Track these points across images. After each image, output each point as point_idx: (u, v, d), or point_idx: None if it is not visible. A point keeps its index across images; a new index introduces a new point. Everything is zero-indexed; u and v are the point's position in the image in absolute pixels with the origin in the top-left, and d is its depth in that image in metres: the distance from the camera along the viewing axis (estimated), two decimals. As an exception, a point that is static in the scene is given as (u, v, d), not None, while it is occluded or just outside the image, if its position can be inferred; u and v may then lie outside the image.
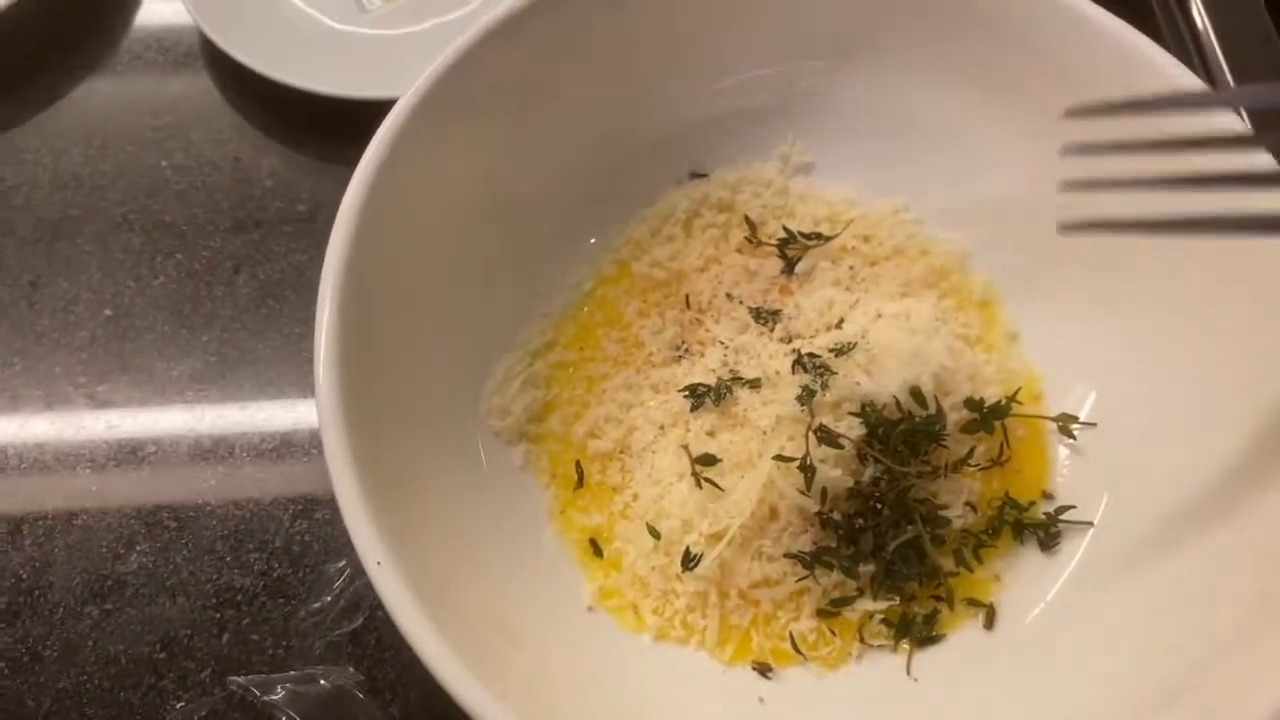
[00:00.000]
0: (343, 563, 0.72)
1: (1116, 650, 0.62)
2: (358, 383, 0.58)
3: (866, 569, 0.67)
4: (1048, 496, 0.71)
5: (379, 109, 0.63)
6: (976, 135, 0.77)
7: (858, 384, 0.68)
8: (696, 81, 0.79)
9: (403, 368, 0.64)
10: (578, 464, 0.71)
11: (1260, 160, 0.57)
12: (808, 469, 0.65)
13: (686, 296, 0.77)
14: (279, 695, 0.64)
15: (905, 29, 0.75)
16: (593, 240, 0.79)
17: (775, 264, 0.78)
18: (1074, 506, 0.69)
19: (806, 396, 0.67)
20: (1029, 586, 0.68)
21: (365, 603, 0.71)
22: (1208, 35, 0.95)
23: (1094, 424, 0.71)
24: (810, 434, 0.66)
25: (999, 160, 0.77)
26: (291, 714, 0.63)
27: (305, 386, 0.79)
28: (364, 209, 0.62)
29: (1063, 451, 0.72)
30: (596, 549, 0.69)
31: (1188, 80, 0.67)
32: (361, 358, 0.59)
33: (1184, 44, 0.96)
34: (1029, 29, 0.72)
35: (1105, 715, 0.59)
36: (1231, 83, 0.93)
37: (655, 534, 0.68)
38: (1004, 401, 0.71)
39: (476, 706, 0.49)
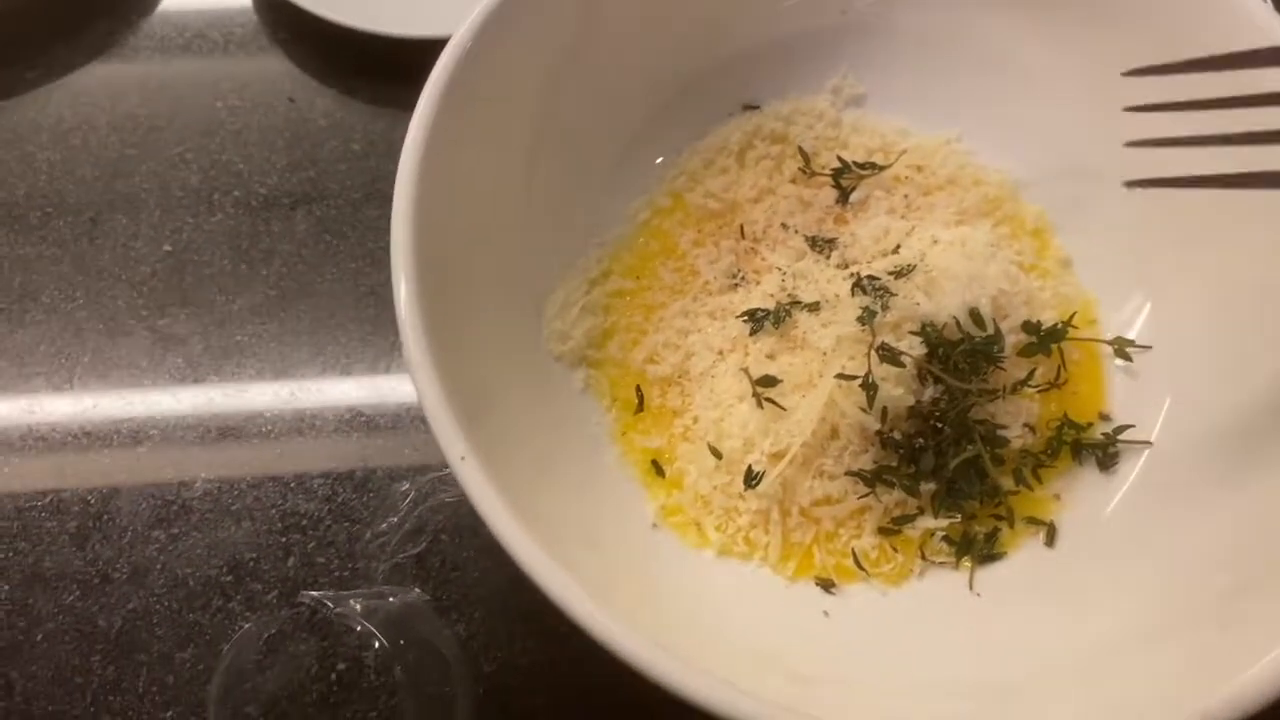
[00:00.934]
0: (406, 485, 0.73)
1: (1174, 566, 0.62)
2: (432, 301, 0.58)
3: (927, 487, 0.67)
4: (1105, 417, 0.71)
5: (427, 48, 0.64)
6: (1027, 64, 0.78)
7: (917, 305, 0.68)
8: (749, 7, 0.79)
9: (471, 291, 0.64)
10: (638, 388, 0.72)
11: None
12: (869, 387, 0.65)
13: (741, 226, 0.78)
14: (356, 609, 0.65)
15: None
16: (648, 172, 0.79)
17: (829, 194, 0.79)
18: (1132, 425, 0.69)
19: (867, 316, 0.68)
20: (1088, 505, 0.69)
21: (430, 526, 0.72)
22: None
23: (1149, 346, 0.72)
24: (872, 353, 0.66)
25: (1050, 89, 0.78)
26: (366, 624, 0.64)
27: (364, 318, 0.80)
28: (429, 142, 0.63)
29: (1118, 374, 0.73)
30: (658, 469, 0.70)
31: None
32: (434, 279, 0.59)
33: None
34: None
35: (1164, 629, 0.59)
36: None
37: (717, 454, 0.68)
38: (1060, 325, 0.72)
39: (559, 590, 0.49)
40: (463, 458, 0.52)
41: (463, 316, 0.62)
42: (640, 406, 0.72)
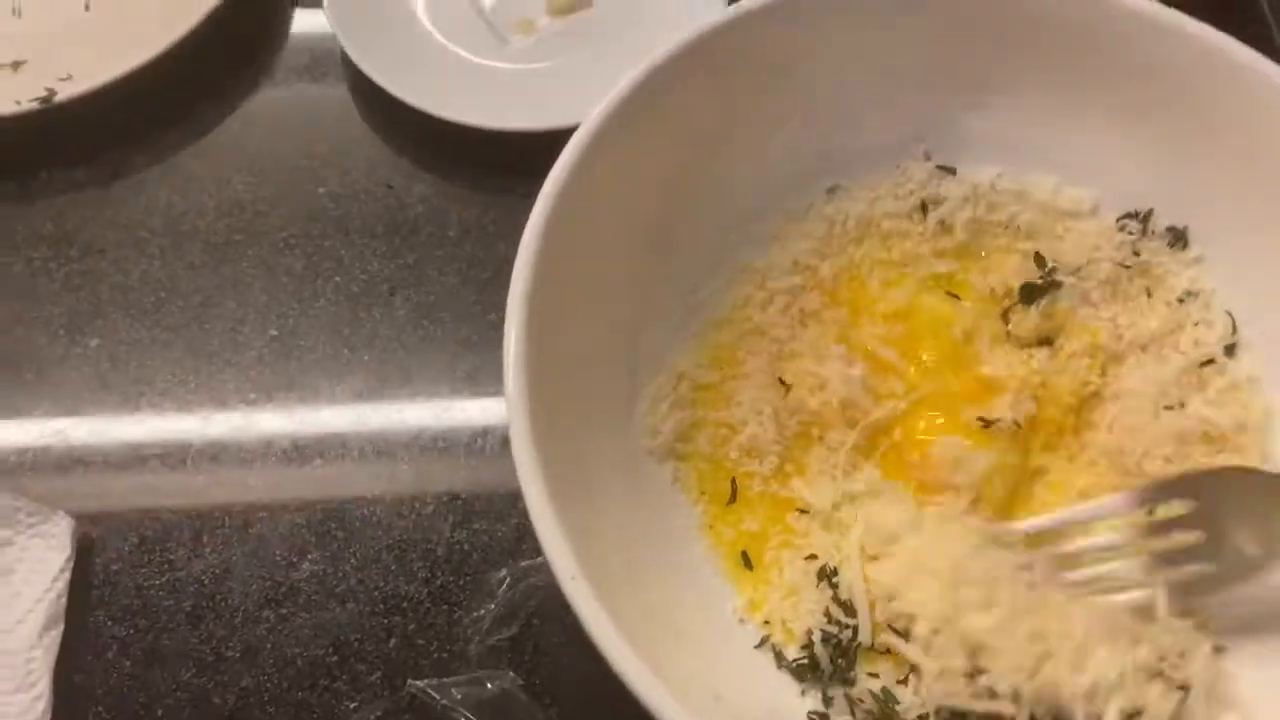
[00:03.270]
0: (503, 571, 0.76)
1: None
2: (539, 400, 0.61)
3: None
4: None
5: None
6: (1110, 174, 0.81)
7: None
8: (828, 118, 0.82)
9: (572, 386, 0.67)
10: (733, 480, 0.74)
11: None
12: None
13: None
14: (457, 697, 0.68)
15: (1046, 68, 0.78)
16: (733, 267, 0.82)
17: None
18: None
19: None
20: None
21: (523, 611, 0.75)
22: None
23: None
24: None
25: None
26: (468, 715, 0.67)
27: (462, 405, 0.84)
28: (545, 234, 0.65)
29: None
30: (747, 562, 0.72)
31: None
32: (540, 376, 0.62)
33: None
34: (1167, 65, 0.75)
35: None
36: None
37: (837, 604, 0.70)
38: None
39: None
40: (573, 578, 0.55)
41: (565, 420, 0.65)
42: (733, 498, 0.74)
